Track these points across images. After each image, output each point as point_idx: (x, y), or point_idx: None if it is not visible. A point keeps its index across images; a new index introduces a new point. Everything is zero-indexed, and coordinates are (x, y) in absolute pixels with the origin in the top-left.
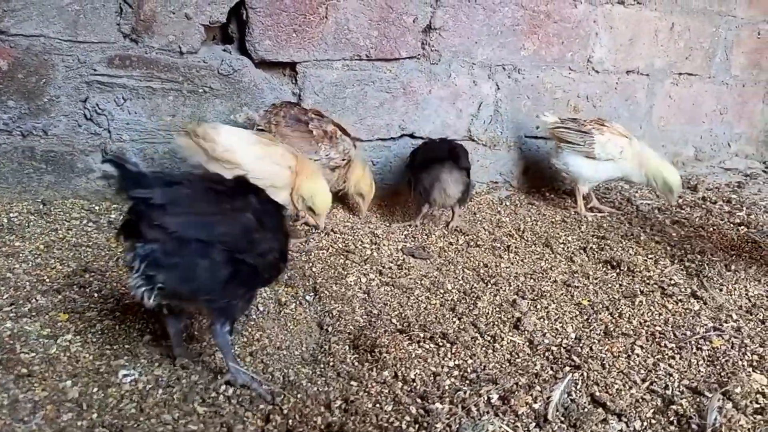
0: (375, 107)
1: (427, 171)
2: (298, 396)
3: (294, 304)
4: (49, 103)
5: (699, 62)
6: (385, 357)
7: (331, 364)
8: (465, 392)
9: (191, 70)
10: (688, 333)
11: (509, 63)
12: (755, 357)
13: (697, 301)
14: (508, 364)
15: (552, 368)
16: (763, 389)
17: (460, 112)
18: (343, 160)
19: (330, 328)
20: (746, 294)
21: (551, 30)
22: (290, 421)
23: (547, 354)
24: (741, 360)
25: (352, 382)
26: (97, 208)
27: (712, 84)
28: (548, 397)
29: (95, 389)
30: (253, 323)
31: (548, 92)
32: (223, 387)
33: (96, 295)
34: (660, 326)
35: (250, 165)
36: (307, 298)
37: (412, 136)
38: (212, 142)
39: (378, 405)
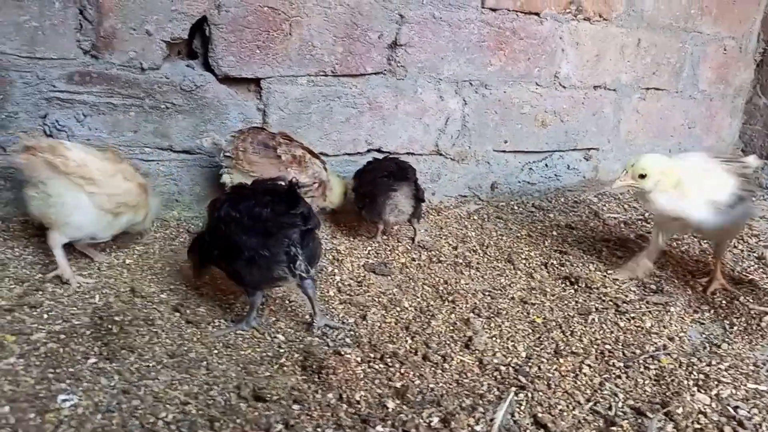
0: (341, 122)
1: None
2: (237, 421)
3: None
4: (7, 120)
5: (666, 77)
6: (331, 379)
7: (276, 386)
8: (407, 415)
9: (153, 86)
10: (638, 352)
11: (476, 78)
12: (701, 376)
13: (650, 319)
14: (455, 384)
15: (498, 389)
16: (705, 409)
17: (427, 127)
18: (314, 183)
19: (281, 349)
20: (700, 310)
21: (517, 46)
22: None
23: (495, 374)
24: (687, 379)
25: (295, 405)
26: None
27: (680, 98)
28: (491, 419)
29: (33, 414)
30: (199, 344)
31: (516, 107)
32: (163, 413)
33: (46, 315)
34: (610, 344)
35: (104, 180)
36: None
37: (379, 150)
38: (63, 157)
39: (319, 429)
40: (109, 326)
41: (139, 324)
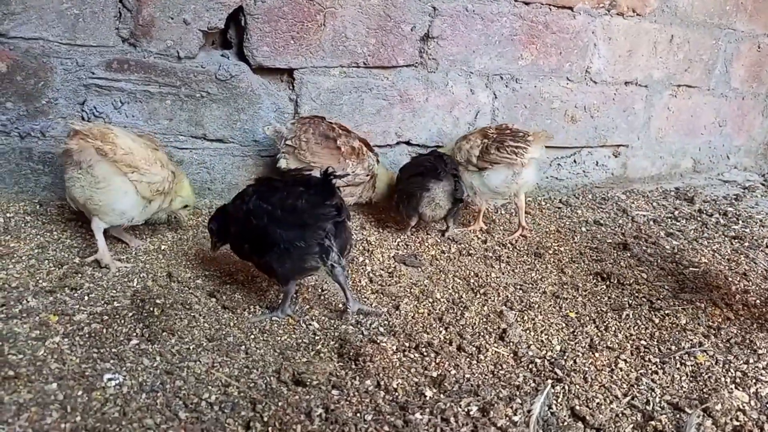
0: (372, 114)
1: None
2: (279, 404)
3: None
4: (47, 105)
5: (698, 74)
6: (368, 366)
7: (315, 371)
8: (445, 403)
9: (189, 74)
10: (673, 348)
11: (507, 72)
12: (738, 374)
13: (685, 316)
14: (491, 375)
15: (534, 381)
16: (743, 406)
17: (457, 120)
18: (368, 175)
19: (316, 336)
20: (732, 307)
21: (549, 40)
22: (270, 428)
23: (530, 366)
24: (724, 377)
25: (334, 391)
26: None
27: (711, 96)
28: (529, 410)
29: (80, 392)
30: (236, 328)
31: (545, 102)
32: (206, 394)
33: (87, 297)
34: (645, 340)
35: (146, 168)
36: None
37: (408, 143)
38: (112, 144)
39: (358, 414)
40: (151, 309)
41: (177, 308)
